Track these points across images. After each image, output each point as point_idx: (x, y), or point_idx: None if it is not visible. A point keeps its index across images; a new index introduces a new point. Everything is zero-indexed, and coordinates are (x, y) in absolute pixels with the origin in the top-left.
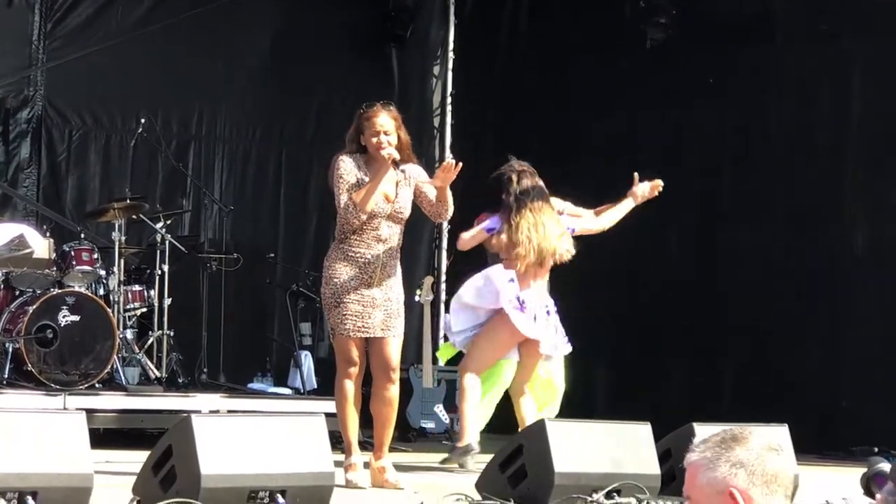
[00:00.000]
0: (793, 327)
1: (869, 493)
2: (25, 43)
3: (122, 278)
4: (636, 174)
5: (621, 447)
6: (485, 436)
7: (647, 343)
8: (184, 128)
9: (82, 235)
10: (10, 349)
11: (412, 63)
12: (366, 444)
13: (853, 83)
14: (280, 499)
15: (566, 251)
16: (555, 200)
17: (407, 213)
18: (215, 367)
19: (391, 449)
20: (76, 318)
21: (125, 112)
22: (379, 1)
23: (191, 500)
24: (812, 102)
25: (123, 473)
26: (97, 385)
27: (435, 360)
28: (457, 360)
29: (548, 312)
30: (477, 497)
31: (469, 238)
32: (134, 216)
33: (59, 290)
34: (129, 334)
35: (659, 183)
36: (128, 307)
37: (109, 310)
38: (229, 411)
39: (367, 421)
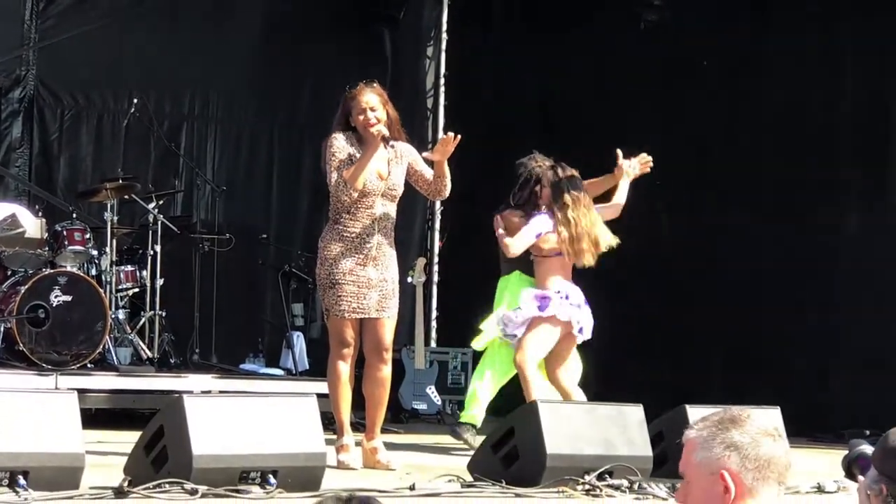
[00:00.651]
0: (784, 310)
1: (850, 475)
2: (18, 22)
3: (114, 258)
4: (619, 151)
5: (613, 429)
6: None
7: (636, 325)
8: (176, 108)
9: (74, 215)
10: (2, 329)
11: (405, 44)
12: (358, 425)
13: (846, 65)
14: (271, 479)
15: (614, 243)
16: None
17: (400, 190)
18: (207, 347)
19: (383, 430)
20: (68, 298)
21: (117, 92)
22: None
23: (182, 480)
24: (805, 85)
25: (115, 453)
26: (89, 365)
27: (427, 342)
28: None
29: (586, 301)
30: (469, 478)
31: (518, 244)
32: (126, 196)
33: (51, 270)
34: (121, 314)
35: (647, 158)
36: (120, 287)
37: (101, 290)
38: (221, 392)
39: (358, 402)
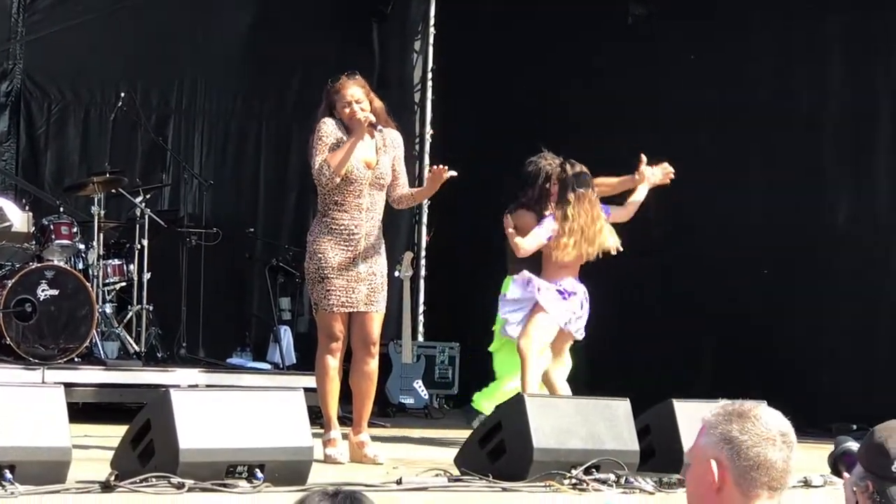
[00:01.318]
0: (772, 304)
1: (836, 472)
2: (5, 16)
3: (101, 252)
4: (643, 156)
5: (600, 423)
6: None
7: (623, 319)
8: (163, 102)
9: (61, 209)
10: None
11: (393, 38)
12: (345, 419)
13: (834, 55)
14: (258, 473)
15: (613, 247)
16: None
17: (388, 179)
18: (194, 341)
19: (371, 425)
20: (55, 292)
21: (105, 86)
22: None
23: (169, 474)
24: (793, 77)
25: (102, 448)
26: (76, 359)
27: (414, 336)
28: (482, 341)
29: (587, 299)
30: (456, 472)
31: (529, 244)
32: (113, 190)
33: (38, 264)
34: (108, 308)
35: (670, 169)
36: (107, 281)
37: (88, 284)
38: (208, 386)
39: (346, 396)
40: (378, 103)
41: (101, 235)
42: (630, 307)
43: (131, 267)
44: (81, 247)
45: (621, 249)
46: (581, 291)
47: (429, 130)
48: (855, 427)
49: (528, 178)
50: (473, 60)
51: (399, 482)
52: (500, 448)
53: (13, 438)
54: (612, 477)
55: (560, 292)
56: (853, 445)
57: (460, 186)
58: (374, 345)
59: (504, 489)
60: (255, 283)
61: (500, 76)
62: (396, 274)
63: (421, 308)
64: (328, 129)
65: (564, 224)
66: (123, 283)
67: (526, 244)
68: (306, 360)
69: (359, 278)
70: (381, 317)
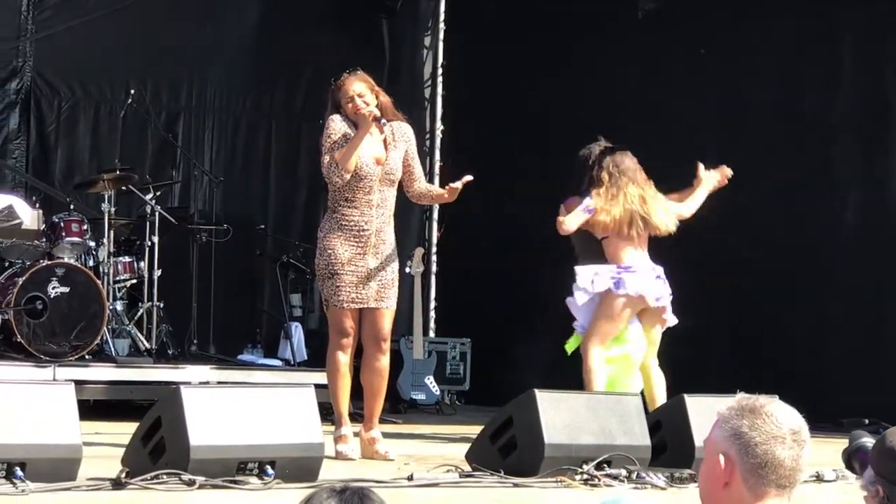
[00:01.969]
0: (783, 298)
1: (850, 467)
2: (14, 13)
3: (111, 249)
4: (700, 164)
5: (612, 418)
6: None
7: None
8: (173, 99)
9: (72, 206)
10: (0, 321)
11: (403, 34)
12: (356, 416)
13: (845, 51)
14: (269, 470)
15: (671, 223)
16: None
17: (398, 174)
18: (205, 338)
19: (382, 421)
20: (66, 289)
21: (114, 83)
22: None
23: (180, 471)
24: (804, 71)
25: (113, 445)
26: (87, 356)
27: (425, 332)
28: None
29: (658, 277)
30: (467, 468)
31: (571, 221)
32: (123, 187)
33: (49, 262)
34: (119, 306)
35: (728, 172)
36: (117, 278)
37: (99, 281)
38: (219, 383)
39: (357, 392)
40: (385, 98)
41: (112, 233)
42: None
43: (142, 264)
44: (92, 244)
45: (672, 231)
46: (645, 266)
47: (439, 126)
48: (867, 421)
49: (579, 165)
50: (483, 55)
51: (410, 478)
52: (512, 444)
53: (24, 436)
54: (624, 472)
55: (621, 269)
56: (868, 441)
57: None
58: (384, 341)
59: (515, 485)
60: (266, 280)
61: (509, 71)
62: (407, 270)
63: (432, 304)
64: (336, 126)
65: (613, 203)
66: (134, 281)
67: (567, 220)
68: (317, 357)
69: (369, 274)
70: (391, 313)
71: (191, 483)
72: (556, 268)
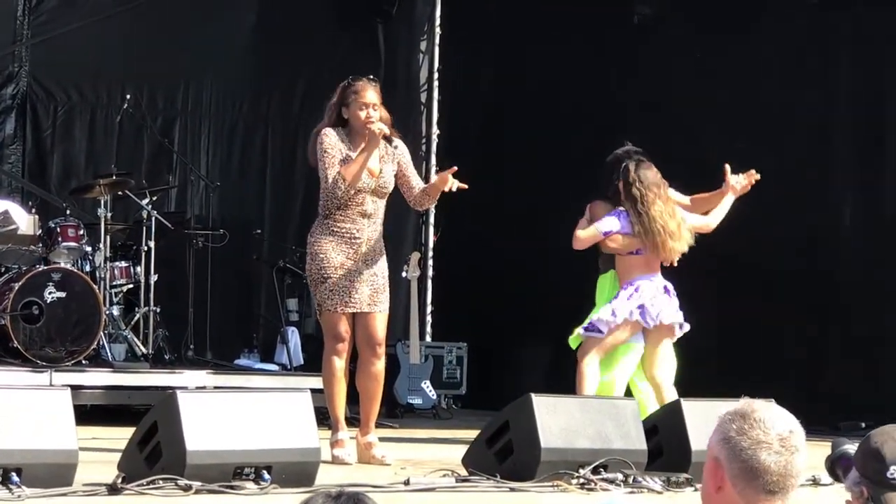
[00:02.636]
0: (779, 302)
1: (834, 475)
2: (10, 18)
3: (108, 255)
4: (727, 166)
5: (608, 423)
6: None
7: None
8: (169, 103)
9: (68, 212)
10: None
11: (399, 38)
12: (353, 420)
13: (840, 55)
14: (266, 475)
15: (684, 246)
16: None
17: (391, 187)
18: (202, 343)
19: (379, 425)
20: (62, 294)
21: (111, 88)
22: None
23: (176, 476)
24: (800, 75)
25: (109, 450)
26: (83, 362)
27: (422, 336)
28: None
29: (666, 290)
30: (464, 473)
31: (585, 239)
32: (120, 192)
33: (45, 267)
34: (116, 311)
35: (755, 175)
36: (114, 284)
37: (95, 286)
38: (216, 388)
39: (353, 397)
40: (385, 114)
41: (108, 238)
42: None
43: (138, 269)
44: (88, 249)
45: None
46: (649, 286)
47: (435, 130)
48: (864, 425)
49: (607, 171)
50: (479, 60)
51: (407, 483)
52: (508, 448)
53: (20, 441)
54: (620, 476)
55: (627, 286)
56: (850, 448)
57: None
58: (379, 345)
59: (512, 489)
60: (263, 285)
61: (505, 76)
62: (404, 275)
63: (429, 308)
64: (331, 140)
65: (641, 221)
66: (130, 286)
67: (580, 237)
68: (314, 362)
69: (360, 279)
70: (384, 317)
71: (187, 488)
72: (553, 272)
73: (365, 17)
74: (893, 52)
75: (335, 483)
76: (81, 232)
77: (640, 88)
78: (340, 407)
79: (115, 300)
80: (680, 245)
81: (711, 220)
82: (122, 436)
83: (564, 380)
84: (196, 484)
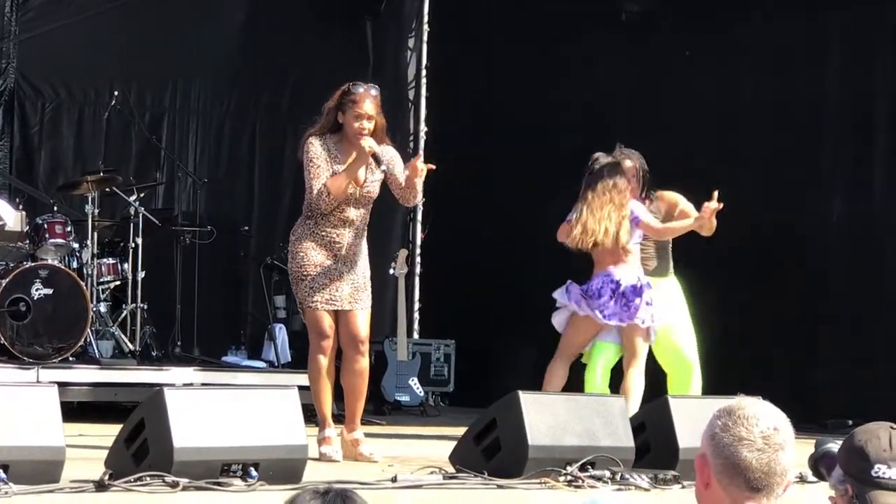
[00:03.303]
0: (769, 300)
1: (817, 473)
2: None
3: (95, 251)
4: (716, 193)
5: (596, 420)
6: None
7: None
8: (157, 100)
9: (55, 208)
10: None
11: (387, 35)
12: (339, 417)
13: (832, 55)
14: (253, 472)
15: (616, 237)
16: (670, 194)
17: (375, 195)
18: (189, 340)
19: (366, 422)
20: (49, 291)
21: (98, 84)
22: None
23: (163, 473)
24: (790, 74)
25: (96, 447)
26: (70, 358)
27: (409, 333)
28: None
29: (634, 289)
30: (451, 470)
31: (560, 232)
32: (107, 189)
33: (32, 263)
34: (103, 307)
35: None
36: (101, 280)
37: (83, 283)
38: (203, 384)
39: (339, 394)
40: (382, 121)
41: (96, 234)
42: None
43: (126, 266)
44: (75, 246)
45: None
46: (597, 281)
47: (423, 128)
48: (851, 423)
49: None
50: (467, 57)
51: (394, 480)
52: (496, 445)
53: (7, 438)
54: (608, 474)
55: (583, 288)
56: (833, 447)
57: (455, 183)
58: (362, 343)
59: (499, 486)
60: (250, 282)
61: (493, 73)
62: (391, 272)
63: (416, 305)
64: (316, 150)
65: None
66: (118, 282)
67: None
68: (301, 359)
69: (341, 277)
70: (367, 314)
71: (174, 485)
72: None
73: (353, 14)
74: (883, 50)
75: (323, 480)
76: (69, 228)
77: (628, 86)
78: (327, 404)
79: (102, 297)
80: (587, 237)
81: (657, 230)
82: (109, 433)
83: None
84: (183, 481)
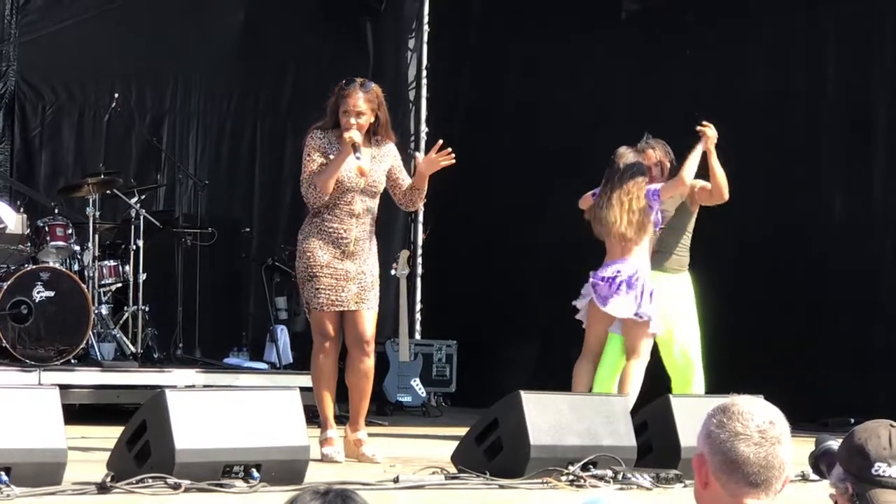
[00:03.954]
0: (768, 299)
1: (818, 471)
2: None
3: (96, 254)
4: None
5: (597, 419)
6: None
7: None
8: (158, 102)
9: (56, 211)
10: None
11: (387, 35)
12: (342, 418)
13: (830, 51)
14: (255, 473)
15: (622, 228)
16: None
17: (381, 186)
18: (191, 342)
19: (369, 423)
20: (51, 293)
21: (99, 86)
22: None
23: (165, 474)
24: (788, 71)
25: (98, 449)
26: (72, 361)
27: (411, 334)
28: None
29: (628, 283)
30: (453, 470)
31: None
32: (108, 191)
33: (34, 266)
34: (105, 310)
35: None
36: (103, 282)
37: (84, 285)
38: (205, 386)
39: (342, 395)
40: (384, 116)
41: (97, 237)
42: None
43: (127, 268)
44: (77, 248)
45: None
46: (604, 270)
47: (423, 128)
48: (852, 421)
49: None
50: (467, 57)
51: (396, 480)
52: (497, 445)
53: (9, 441)
54: (610, 473)
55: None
56: (834, 445)
57: (456, 184)
58: (367, 343)
59: (501, 486)
60: (252, 283)
61: (494, 73)
62: (393, 272)
63: (418, 306)
64: (316, 143)
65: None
66: (119, 284)
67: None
68: (303, 360)
69: (348, 277)
70: (373, 315)
71: (176, 487)
72: (542, 270)
73: (353, 14)
74: (881, 48)
75: (324, 481)
76: (70, 231)
77: (631, 84)
78: (329, 406)
79: (103, 299)
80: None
81: (680, 184)
82: (110, 435)
83: (553, 377)
84: (185, 482)
